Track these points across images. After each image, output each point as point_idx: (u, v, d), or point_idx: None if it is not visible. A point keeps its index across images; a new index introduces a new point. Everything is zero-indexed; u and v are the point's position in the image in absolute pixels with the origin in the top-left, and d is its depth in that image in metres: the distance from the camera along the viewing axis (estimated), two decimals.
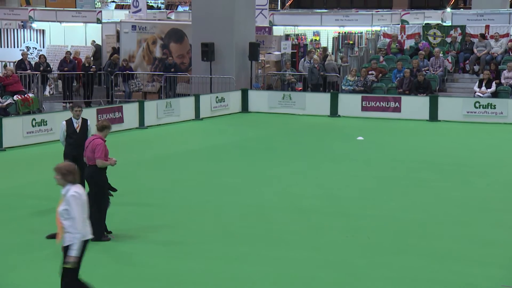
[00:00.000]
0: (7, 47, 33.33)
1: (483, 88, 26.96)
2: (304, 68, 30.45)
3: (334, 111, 27.30)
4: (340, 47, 35.65)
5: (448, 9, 41.63)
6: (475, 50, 29.35)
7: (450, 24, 32.50)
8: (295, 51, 33.67)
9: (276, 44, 33.21)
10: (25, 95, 24.51)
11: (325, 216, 14.16)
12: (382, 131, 24.12)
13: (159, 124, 25.18)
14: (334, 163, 19.27)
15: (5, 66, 27.63)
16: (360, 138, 22.56)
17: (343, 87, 28.60)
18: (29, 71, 28.30)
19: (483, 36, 29.53)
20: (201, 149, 21.59)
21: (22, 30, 35.59)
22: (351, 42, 35.35)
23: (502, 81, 27.20)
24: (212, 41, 28.79)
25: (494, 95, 26.64)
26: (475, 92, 27.02)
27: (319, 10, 43.64)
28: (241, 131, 24.95)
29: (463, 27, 30.61)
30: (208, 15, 29.15)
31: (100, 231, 12.21)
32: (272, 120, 26.66)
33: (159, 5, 52.27)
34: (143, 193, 15.65)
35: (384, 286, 10.46)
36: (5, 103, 23.10)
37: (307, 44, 35.77)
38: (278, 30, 35.91)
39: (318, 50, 33.48)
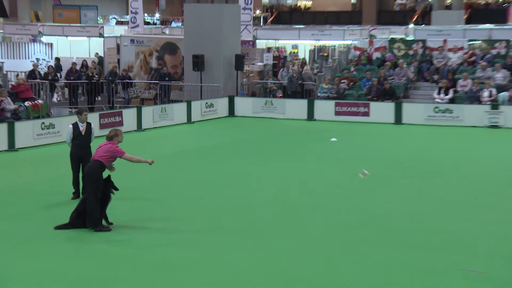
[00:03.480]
0: (19, 58, 33.25)
1: (442, 95, 27.10)
2: (284, 77, 30.54)
3: (310, 116, 27.35)
4: (316, 59, 35.72)
5: (411, 25, 41.80)
6: (434, 61, 29.49)
7: (412, 38, 32.65)
8: (276, 62, 33.73)
9: (259, 56, 33.28)
10: (35, 101, 24.45)
11: (304, 209, 14.20)
12: (353, 133, 24.20)
13: (155, 127, 25.18)
14: (311, 162, 19.33)
15: (17, 75, 27.57)
16: (334, 139, 22.62)
17: (319, 94, 28.67)
18: (38, 80, 28.29)
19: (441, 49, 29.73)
20: (193, 149, 21.60)
21: (32, 43, 35.51)
22: (325, 54, 35.41)
23: (458, 88, 27.33)
24: (202, 53, 28.83)
25: (451, 101, 26.78)
26: (435, 99, 27.13)
27: (297, 26, 43.72)
28: (228, 133, 24.97)
29: (424, 41, 30.74)
30: (199, 30, 29.23)
31: (97, 219, 12.27)
32: (256, 124, 26.68)
33: (155, 21, 52.25)
34: (141, 189, 15.64)
35: (356, 270, 10.49)
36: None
37: (286, 56, 35.84)
38: (261, 44, 35.96)
39: (297, 61, 33.50)
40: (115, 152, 12.28)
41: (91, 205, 12.20)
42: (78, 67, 30.76)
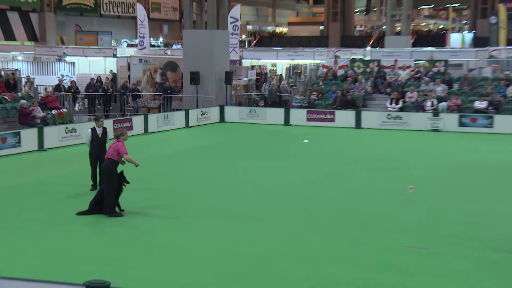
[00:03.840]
0: (47, 75, 33.20)
1: (393, 105, 27.20)
2: (265, 90, 30.58)
3: (287, 121, 27.36)
4: (291, 75, 35.81)
5: (368, 48, 41.96)
6: (387, 77, 29.60)
7: (369, 58, 32.78)
8: (259, 77, 33.77)
9: (244, 73, 33.29)
10: (60, 110, 24.37)
11: (281, 198, 14.20)
12: (321, 136, 24.23)
13: (159, 131, 25.11)
14: (287, 159, 19.34)
15: (45, 89, 27.48)
16: (306, 140, 22.65)
17: (293, 104, 28.71)
18: (63, 92, 28.19)
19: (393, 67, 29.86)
20: (190, 149, 21.56)
21: (58, 62, 35.39)
22: (298, 71, 35.51)
23: (406, 99, 27.46)
24: (198, 70, 28.81)
25: (401, 109, 26.89)
26: (387, 108, 27.23)
27: (275, 48, 43.79)
28: (220, 136, 24.95)
29: (378, 61, 30.85)
30: (195, 52, 29.22)
31: (112, 207, 12.26)
32: (242, 128, 26.67)
33: (159, 44, 52.12)
34: (147, 182, 15.59)
35: (323, 247, 10.51)
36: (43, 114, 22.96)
37: (267, 73, 35.88)
38: (246, 62, 35.98)
39: (275, 77, 33.54)
40: (119, 151, 12.27)
41: (108, 195, 12.20)
42: (95, 82, 30.66)
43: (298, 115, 27.36)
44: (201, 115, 27.50)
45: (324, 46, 48.75)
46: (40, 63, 34.79)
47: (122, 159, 12.35)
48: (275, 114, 27.80)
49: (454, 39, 54.60)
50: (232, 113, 28.47)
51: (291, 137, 24.07)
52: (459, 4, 65.92)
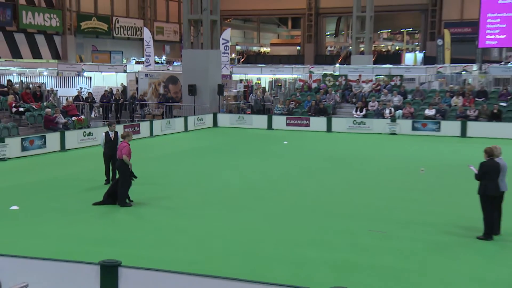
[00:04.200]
0: (68, 87, 32.94)
1: (358, 112, 27.25)
2: (252, 100, 30.51)
3: (270, 126, 27.32)
4: (273, 87, 35.75)
5: (337, 65, 42.05)
6: (353, 89, 29.66)
7: (338, 74, 32.85)
8: (246, 89, 33.67)
9: (234, 85, 33.21)
10: (79, 117, 24.14)
11: (265, 190, 14.17)
12: (298, 139, 24.23)
13: (162, 134, 24.98)
14: (269, 158, 19.30)
15: (67, 99, 27.24)
16: (285, 142, 22.63)
17: (275, 111, 28.67)
18: (81, 102, 27.99)
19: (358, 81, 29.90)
20: (188, 150, 21.46)
21: (77, 77, 35.12)
22: (279, 84, 35.46)
23: (369, 108, 27.51)
24: (195, 83, 28.69)
25: (364, 116, 26.94)
26: (353, 115, 27.28)
27: (260, 65, 43.69)
28: (213, 138, 24.85)
29: (346, 76, 30.89)
30: (193, 68, 29.10)
31: (124, 199, 12.20)
32: (232, 132, 26.60)
33: (162, 61, 51.87)
34: (152, 177, 15.50)
35: (299, 232, 10.49)
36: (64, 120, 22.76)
37: (253, 85, 35.78)
38: (235, 77, 35.87)
39: (260, 89, 33.47)
40: (121, 150, 12.17)
41: (122, 189, 12.15)
42: (108, 93, 30.44)
43: (279, 121, 27.33)
44: (198, 121, 27.39)
45: (301, 63, 48.84)
46: (62, 78, 34.50)
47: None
48: (260, 120, 27.75)
49: (408, 58, 54.86)
50: (224, 119, 28.38)
51: (273, 139, 24.05)
52: (412, 29, 66.26)
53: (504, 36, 35.05)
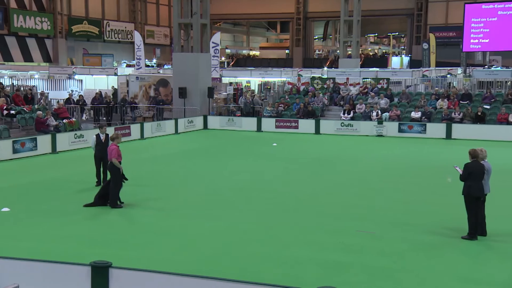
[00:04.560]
0: (60, 90, 32.75)
1: (346, 115, 27.33)
2: (241, 102, 30.49)
3: (259, 128, 27.33)
4: (262, 90, 35.75)
5: (325, 68, 42.18)
6: (341, 92, 29.74)
7: (326, 77, 32.93)
8: (236, 92, 33.63)
9: (224, 88, 33.17)
10: (70, 119, 23.98)
11: (254, 190, 14.17)
12: (287, 140, 24.24)
13: (153, 136, 24.89)
14: (259, 159, 19.30)
15: (58, 102, 27.05)
16: (274, 144, 22.64)
17: (264, 114, 28.67)
18: (72, 105, 27.81)
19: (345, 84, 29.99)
20: (179, 152, 21.41)
21: (68, 80, 34.93)
22: (268, 87, 35.45)
23: (357, 110, 27.60)
24: (185, 86, 28.63)
25: (352, 118, 27.02)
26: (341, 117, 27.36)
27: (249, 68, 43.77)
28: (203, 140, 24.82)
29: (334, 79, 30.96)
30: (183, 71, 29.03)
31: (115, 200, 12.14)
32: (222, 134, 26.57)
33: (153, 64, 51.70)
34: (143, 178, 15.44)
35: (287, 231, 10.48)
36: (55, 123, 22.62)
37: (242, 88, 35.72)
38: (225, 80, 35.87)
39: (249, 92, 33.47)
40: (111, 153, 12.12)
41: (113, 191, 12.10)
42: (99, 96, 30.27)
43: (268, 123, 27.33)
44: (188, 123, 27.33)
45: (289, 67, 48.93)
46: (53, 80, 34.29)
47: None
48: (249, 122, 27.74)
49: (395, 61, 55.14)
50: (214, 121, 28.34)
51: (263, 141, 24.05)
52: (398, 33, 66.63)
53: (487, 40, 35.38)
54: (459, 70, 36.26)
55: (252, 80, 37.54)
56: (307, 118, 27.27)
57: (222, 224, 11.07)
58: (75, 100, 29.13)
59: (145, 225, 10.97)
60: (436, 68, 37.53)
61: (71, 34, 48.83)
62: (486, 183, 10.20)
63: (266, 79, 36.72)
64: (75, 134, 21.30)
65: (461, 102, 26.75)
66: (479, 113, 25.18)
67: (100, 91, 31.42)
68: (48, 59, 46.95)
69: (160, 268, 7.37)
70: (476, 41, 35.57)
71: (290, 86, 31.48)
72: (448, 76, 33.17)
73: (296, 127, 26.76)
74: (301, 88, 31.12)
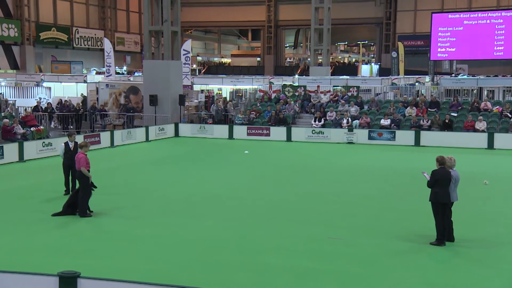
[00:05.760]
0: (27, 98, 32.29)
1: (317, 122, 27.53)
2: (213, 110, 30.47)
3: (231, 136, 27.32)
4: (234, 97, 35.80)
5: (296, 76, 42.47)
6: (312, 100, 29.98)
7: (297, 84, 33.17)
8: (207, 100, 33.60)
9: (195, 96, 33.08)
10: (38, 127, 23.61)
11: (225, 198, 14.14)
12: (259, 148, 24.30)
13: (123, 144, 24.65)
14: (231, 167, 19.29)
15: (25, 109, 26.64)
16: (246, 151, 22.66)
17: (236, 121, 28.70)
18: (40, 113, 27.41)
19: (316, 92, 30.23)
20: (150, 159, 21.26)
21: (36, 87, 34.41)
22: (240, 94, 35.55)
23: (327, 118, 27.83)
24: (156, 93, 28.47)
25: (323, 126, 27.22)
26: (312, 124, 27.55)
27: (221, 76, 43.78)
28: (175, 148, 24.69)
29: (305, 86, 31.21)
30: (154, 78, 28.88)
31: (85, 209, 11.97)
32: (193, 141, 26.48)
33: (123, 71, 51.33)
34: (113, 187, 15.27)
35: (262, 238, 10.49)
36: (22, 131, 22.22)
37: (214, 96, 35.73)
38: (196, 87, 35.78)
39: (221, 99, 33.47)
40: (79, 162, 11.97)
41: (82, 200, 11.94)
42: (68, 104, 29.88)
43: (240, 131, 27.36)
44: (159, 131, 27.16)
45: (261, 74, 49.08)
46: (21, 88, 33.74)
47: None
48: (221, 130, 27.72)
49: (364, 69, 55.91)
50: (185, 129, 28.23)
51: (234, 148, 24.06)
52: (367, 41, 67.61)
53: (454, 49, 36.17)
54: (427, 78, 36.95)
55: (224, 87, 37.55)
56: (278, 126, 27.38)
57: (194, 232, 11.01)
58: (43, 107, 28.70)
59: (115, 234, 10.84)
60: (405, 76, 38.18)
61: (39, 41, 48.14)
62: (454, 191, 10.36)
63: (237, 87, 36.78)
64: (43, 142, 20.96)
65: (429, 109, 27.24)
66: (447, 121, 25.68)
67: (60, 99, 31.01)
68: (15, 66, 46.14)
69: (130, 278, 7.30)
70: (443, 49, 36.34)
71: (262, 93, 31.59)
72: (416, 84, 33.79)
73: (268, 135, 26.84)
74: (273, 95, 31.26)
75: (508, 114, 25.91)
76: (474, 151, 22.97)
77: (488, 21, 35.09)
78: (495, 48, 35.01)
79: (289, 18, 58.53)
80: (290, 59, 68.98)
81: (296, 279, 8.53)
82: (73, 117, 29.17)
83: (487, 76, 34.03)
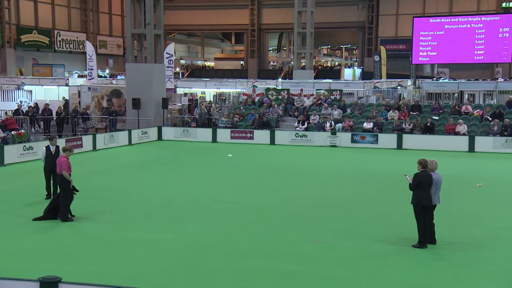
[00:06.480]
0: (8, 101, 31.88)
1: (300, 125, 27.62)
2: (196, 113, 30.39)
3: (214, 139, 27.27)
4: (217, 101, 35.77)
5: (280, 79, 42.54)
6: (295, 103, 30.06)
7: (281, 88, 33.23)
8: (191, 103, 33.51)
9: (179, 99, 32.99)
10: (19, 131, 23.36)
11: (209, 202, 14.10)
12: (242, 151, 24.28)
13: (106, 148, 24.46)
14: (214, 170, 19.24)
15: (6, 113, 26.32)
16: (230, 155, 22.63)
17: (220, 125, 28.67)
18: (21, 116, 27.11)
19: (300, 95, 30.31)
20: (132, 163, 21.13)
21: (17, 90, 34.03)
22: (224, 98, 35.52)
23: (311, 121, 27.92)
24: (139, 97, 28.33)
25: (306, 129, 27.31)
26: (296, 128, 27.62)
27: (204, 79, 43.72)
28: (158, 152, 24.55)
29: (288, 90, 31.29)
30: (136, 81, 28.74)
31: (66, 214, 11.86)
32: (177, 145, 26.37)
33: (105, 75, 50.97)
34: (95, 191, 15.14)
35: (245, 241, 10.47)
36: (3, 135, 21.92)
37: (197, 99, 35.67)
38: (180, 90, 35.71)
39: (205, 102, 33.42)
40: (61, 165, 11.87)
41: (64, 204, 11.82)
42: (50, 107, 29.58)
43: (224, 134, 27.32)
44: (142, 134, 27.01)
45: (244, 78, 49.09)
46: (1, 91, 33.30)
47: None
48: (205, 133, 27.65)
49: (347, 73, 56.22)
50: (168, 132, 28.11)
51: (218, 152, 24.01)
52: (350, 45, 68.04)
53: (435, 53, 36.54)
54: (409, 82, 37.28)
55: (207, 91, 37.51)
56: (262, 129, 27.41)
57: (176, 236, 10.96)
58: (24, 111, 28.39)
59: (97, 238, 10.75)
60: (387, 79, 38.49)
61: (20, 44, 47.64)
62: (436, 194, 10.44)
63: (221, 90, 36.76)
64: (24, 146, 20.71)
65: (411, 113, 27.49)
66: (429, 124, 25.92)
67: (36, 104, 30.70)
68: None
69: (112, 282, 7.24)
70: (425, 53, 36.70)
71: (245, 97, 31.60)
72: (398, 87, 34.06)
73: (252, 138, 26.84)
74: (256, 99, 31.29)
75: (489, 117, 26.24)
76: (455, 154, 23.22)
77: (468, 26, 35.54)
78: (475, 52, 35.45)
79: (272, 21, 58.66)
80: (273, 62, 69.08)
81: (278, 282, 8.53)
82: (54, 120, 28.89)
83: (467, 80, 34.43)
